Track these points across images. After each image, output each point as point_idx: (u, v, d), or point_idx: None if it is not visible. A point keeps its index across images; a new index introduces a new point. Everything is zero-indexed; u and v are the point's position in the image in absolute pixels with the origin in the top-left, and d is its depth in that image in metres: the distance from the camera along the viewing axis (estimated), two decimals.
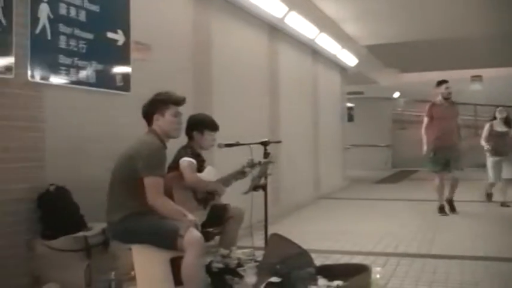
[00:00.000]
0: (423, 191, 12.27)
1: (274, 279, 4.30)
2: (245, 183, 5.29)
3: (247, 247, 5.53)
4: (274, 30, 9.86)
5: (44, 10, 4.56)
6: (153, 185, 4.01)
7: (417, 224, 8.79)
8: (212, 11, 7.52)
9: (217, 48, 7.61)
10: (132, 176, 4.06)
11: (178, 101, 4.43)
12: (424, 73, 19.13)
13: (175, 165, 4.93)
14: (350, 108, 20.46)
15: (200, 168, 5.15)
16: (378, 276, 4.60)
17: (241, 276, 4.70)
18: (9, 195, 4.25)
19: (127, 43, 5.57)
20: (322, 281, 4.46)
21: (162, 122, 4.33)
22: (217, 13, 7.66)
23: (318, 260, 5.27)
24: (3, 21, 4.17)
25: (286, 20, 9.82)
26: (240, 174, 5.30)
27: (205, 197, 5.12)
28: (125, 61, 5.56)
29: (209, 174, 5.21)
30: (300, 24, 10.47)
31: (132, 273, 4.25)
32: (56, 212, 4.42)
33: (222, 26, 7.80)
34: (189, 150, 5.10)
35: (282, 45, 10.36)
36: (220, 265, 5.00)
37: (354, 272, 4.51)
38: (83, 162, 4.96)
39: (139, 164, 4.04)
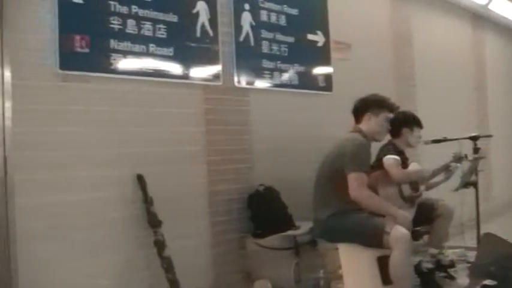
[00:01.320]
0: None
1: (488, 281, 3.89)
2: (454, 180, 4.90)
3: (458, 247, 5.14)
4: (478, 18, 9.16)
5: (246, 18, 4.66)
6: (356, 179, 3.83)
7: None
8: (410, 3, 7.18)
9: (418, 42, 7.24)
10: (338, 173, 3.92)
11: (393, 109, 4.28)
12: None
13: (378, 164, 4.70)
14: None
15: (403, 166, 4.86)
16: None
17: (452, 278, 4.36)
18: (223, 196, 4.38)
19: (327, 43, 5.49)
20: None
21: (374, 122, 4.16)
22: (416, 5, 7.29)
23: None
24: (210, 32, 4.31)
25: (490, 6, 9.05)
26: (446, 169, 4.93)
27: (412, 194, 4.82)
28: (326, 61, 5.49)
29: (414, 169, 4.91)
30: (507, 10, 9.59)
31: (340, 271, 4.11)
32: (265, 211, 4.45)
33: (422, 19, 7.40)
34: (391, 147, 4.84)
35: (488, 34, 9.62)
36: (430, 265, 4.68)
37: None
38: (289, 162, 4.96)
39: (344, 161, 3.90)
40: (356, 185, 3.81)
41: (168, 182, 3.95)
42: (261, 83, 4.77)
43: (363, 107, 4.20)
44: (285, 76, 4.98)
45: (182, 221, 4.02)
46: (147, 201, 3.75)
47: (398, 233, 3.69)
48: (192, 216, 4.16)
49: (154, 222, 3.74)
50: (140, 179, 3.76)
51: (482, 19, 9.27)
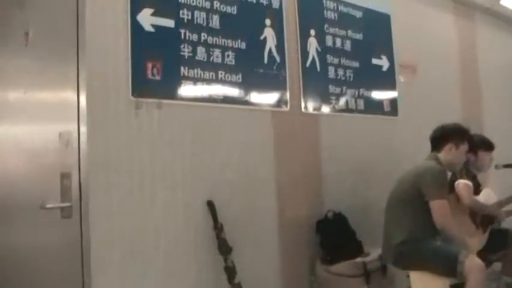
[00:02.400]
0: None
1: None
2: None
3: None
4: None
5: (312, 44, 4.62)
6: (440, 208, 3.75)
7: None
8: (476, 25, 7.01)
9: (485, 64, 7.05)
10: (414, 200, 3.83)
11: (473, 138, 4.21)
12: None
13: (450, 189, 4.51)
14: None
15: (476, 191, 4.66)
16: None
17: None
18: (292, 221, 4.29)
19: (392, 67, 5.39)
20: None
21: (454, 153, 4.09)
22: (482, 27, 7.11)
23: None
24: (277, 58, 4.29)
25: None
26: None
27: (485, 220, 4.61)
28: (391, 86, 5.39)
29: (486, 197, 4.69)
30: None
31: None
32: (334, 237, 4.35)
33: (487, 40, 7.21)
34: (464, 171, 4.65)
35: None
36: None
37: None
38: (358, 187, 4.86)
39: (423, 189, 3.79)
40: (441, 213, 3.74)
41: (237, 207, 3.89)
42: (327, 108, 4.69)
43: (444, 137, 4.12)
44: (352, 101, 4.90)
45: (252, 247, 3.95)
46: (217, 227, 3.69)
47: (473, 263, 3.55)
48: (262, 242, 4.08)
49: (224, 248, 3.66)
50: (210, 204, 3.71)
51: None
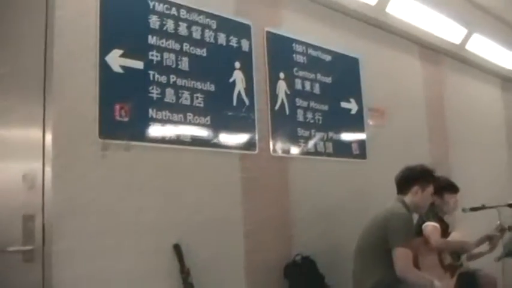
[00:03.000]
0: None
1: None
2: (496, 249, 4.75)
3: None
4: (508, 82, 9.13)
5: (281, 86, 4.69)
6: (403, 256, 3.77)
7: None
8: (442, 70, 7.20)
9: (451, 109, 7.21)
10: (380, 245, 3.85)
11: (438, 180, 4.28)
12: None
13: (418, 231, 4.58)
14: None
15: (444, 233, 4.73)
16: None
17: None
18: (260, 265, 4.28)
19: (360, 111, 5.49)
20: None
21: (420, 197, 4.15)
22: (448, 71, 7.30)
23: None
24: (246, 100, 4.35)
25: None
26: (488, 240, 4.78)
27: (453, 264, 4.67)
28: (360, 129, 5.47)
29: (455, 239, 4.78)
30: None
31: None
32: (302, 282, 4.35)
33: (454, 86, 7.40)
34: (431, 214, 4.73)
35: None
36: None
37: None
38: (327, 230, 4.87)
39: (389, 234, 3.81)
40: (402, 262, 3.77)
41: (205, 251, 3.87)
42: (296, 151, 4.74)
43: (410, 180, 4.15)
44: (320, 144, 4.95)
45: None
46: (184, 271, 3.66)
47: None
48: (229, 287, 4.05)
49: None
50: (177, 248, 3.69)
51: (511, 82, 9.25)
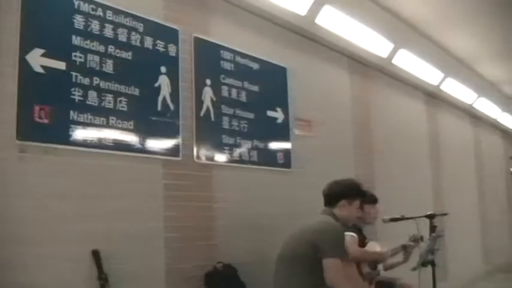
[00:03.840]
0: None
1: None
2: (413, 259, 4.95)
3: None
4: (431, 97, 9.53)
5: (207, 93, 4.74)
6: (334, 267, 3.84)
7: None
8: (368, 83, 7.43)
9: (376, 121, 7.46)
10: (308, 256, 3.89)
11: (365, 196, 4.39)
12: None
13: None
14: None
15: (362, 243, 4.90)
16: None
17: None
18: (181, 274, 4.30)
19: (286, 120, 5.59)
20: None
21: (347, 210, 4.23)
22: (374, 85, 7.55)
23: None
24: (171, 106, 4.37)
25: (442, 87, 9.46)
26: (404, 249, 5.00)
27: (370, 272, 4.85)
28: (285, 138, 5.58)
29: (372, 249, 4.96)
30: (457, 90, 10.05)
31: None
32: None
33: (379, 98, 7.66)
34: (350, 225, 4.88)
35: (440, 113, 9.98)
36: None
37: None
38: (251, 239, 4.95)
39: (321, 246, 3.88)
40: (333, 272, 3.81)
41: (125, 258, 3.86)
42: (220, 159, 4.79)
43: (338, 194, 4.23)
44: (245, 152, 5.02)
45: None
46: (102, 277, 3.65)
47: None
48: None
49: None
50: (95, 254, 3.68)
51: (434, 98, 9.64)
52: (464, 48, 8.98)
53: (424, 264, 4.72)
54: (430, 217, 4.93)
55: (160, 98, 4.30)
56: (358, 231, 4.89)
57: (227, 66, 4.99)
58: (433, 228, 4.87)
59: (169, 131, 4.35)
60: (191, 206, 4.47)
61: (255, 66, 5.31)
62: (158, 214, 4.21)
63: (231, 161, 4.88)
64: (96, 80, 3.86)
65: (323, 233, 3.92)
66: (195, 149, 4.55)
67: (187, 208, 4.44)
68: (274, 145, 5.41)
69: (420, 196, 8.44)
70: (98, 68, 3.89)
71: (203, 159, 4.63)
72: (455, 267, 9.39)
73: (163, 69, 4.36)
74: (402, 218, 5.00)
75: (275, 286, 4.07)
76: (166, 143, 4.31)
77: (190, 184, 4.49)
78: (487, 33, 8.30)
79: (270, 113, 5.42)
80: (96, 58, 3.89)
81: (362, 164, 6.91)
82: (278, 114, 5.51)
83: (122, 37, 4.11)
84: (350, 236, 4.68)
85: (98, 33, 3.94)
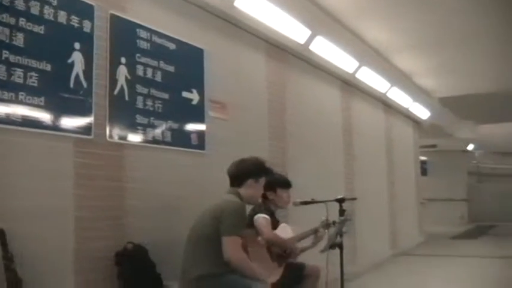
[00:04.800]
0: (504, 248, 11.70)
1: None
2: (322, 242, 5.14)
3: None
4: (346, 85, 9.80)
5: (121, 72, 4.69)
6: (232, 243, 3.96)
7: (502, 284, 8.32)
8: (285, 67, 7.57)
9: (291, 104, 7.62)
10: (214, 235, 4.01)
11: (270, 172, 4.52)
12: (502, 124, 18.58)
13: (249, 223, 4.85)
14: (423, 162, 20.04)
15: (274, 226, 5.04)
16: None
17: None
18: (90, 254, 4.29)
19: (201, 102, 5.63)
20: None
21: (254, 189, 4.38)
22: (290, 69, 7.70)
23: None
24: (84, 83, 4.31)
25: (357, 75, 9.76)
26: (314, 233, 5.19)
27: (281, 254, 5.00)
28: (200, 120, 5.61)
29: (283, 231, 5.11)
30: (371, 79, 10.40)
31: None
32: (132, 269, 4.41)
33: (296, 82, 7.82)
34: (263, 207, 5.02)
35: (355, 100, 10.28)
36: None
37: None
38: (162, 220, 4.98)
39: (222, 224, 3.99)
40: (232, 248, 3.94)
41: (32, 238, 3.81)
42: (134, 139, 4.78)
43: (243, 173, 4.35)
44: (159, 132, 5.03)
45: (46, 279, 3.87)
46: (7, 257, 3.59)
47: None
48: (57, 275, 4.02)
49: (13, 280, 3.58)
50: (1, 234, 3.62)
51: (349, 86, 9.92)
52: (379, 38, 9.31)
53: (332, 246, 4.91)
54: (340, 201, 5.11)
55: (73, 75, 4.23)
56: (271, 214, 5.03)
57: (143, 45, 4.96)
58: (342, 212, 5.07)
59: (81, 109, 4.28)
60: (102, 185, 4.45)
61: (172, 46, 5.30)
62: (68, 193, 4.16)
63: (144, 141, 4.88)
64: (5, 54, 3.75)
65: (223, 211, 4.05)
66: (107, 128, 4.51)
67: (98, 187, 4.41)
68: (188, 126, 5.45)
69: (332, 181, 8.71)
70: (7, 41, 3.79)
71: (116, 139, 4.60)
72: (363, 251, 9.77)
73: (77, 45, 4.28)
74: (312, 202, 5.18)
75: (184, 265, 4.16)
76: (78, 121, 4.25)
77: (102, 163, 4.46)
78: (402, 25, 8.65)
79: (185, 94, 5.43)
80: (6, 31, 3.79)
81: (276, 148, 7.05)
82: (193, 96, 5.53)
83: (34, 10, 4.01)
84: (263, 217, 4.83)
85: (8, 4, 3.82)
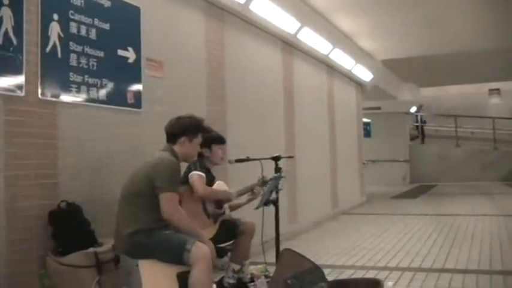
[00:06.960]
0: (441, 206, 12.16)
1: None
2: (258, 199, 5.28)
3: (260, 263, 5.52)
4: (288, 46, 9.88)
5: (54, 29, 4.64)
6: (170, 200, 4.05)
7: (433, 238, 8.70)
8: (224, 27, 7.58)
9: (231, 64, 7.66)
10: (147, 191, 4.08)
11: (207, 131, 4.53)
12: (443, 87, 19.05)
13: (185, 180, 4.93)
14: (367, 124, 20.44)
15: (210, 184, 5.14)
16: None
17: None
18: (23, 212, 4.30)
19: (138, 60, 5.62)
20: None
21: (188, 147, 4.42)
22: (230, 29, 7.72)
23: (332, 275, 5.25)
24: (14, 40, 4.26)
25: (299, 36, 9.85)
26: (251, 190, 5.32)
27: (215, 211, 5.12)
28: (136, 78, 5.62)
29: (220, 188, 5.23)
30: (313, 40, 10.51)
31: None
32: (66, 228, 4.45)
33: (235, 42, 7.85)
34: (199, 164, 5.09)
35: (296, 61, 10.38)
36: (232, 280, 5.02)
37: (366, 287, 4.48)
38: (96, 179, 5.02)
39: (156, 180, 4.06)
40: (169, 205, 4.03)
41: None
42: (67, 97, 4.75)
43: (179, 130, 4.40)
44: (93, 91, 5.01)
45: None
46: None
47: (199, 251, 3.93)
48: None
49: None
50: None
51: (291, 46, 10.01)
52: None
53: (266, 203, 5.07)
54: (276, 159, 5.27)
55: (2, 31, 4.15)
56: (207, 171, 5.12)
57: (76, 1, 4.88)
58: (277, 170, 5.22)
59: (11, 66, 4.22)
60: (34, 144, 4.44)
61: (107, 3, 5.25)
62: None
63: (79, 99, 4.86)
64: None
65: (156, 168, 4.13)
66: (39, 86, 4.47)
67: (30, 145, 4.40)
68: (124, 85, 5.44)
69: (272, 141, 8.84)
70: None
71: (48, 96, 4.56)
72: (304, 210, 10.01)
73: (5, 0, 4.20)
74: (247, 159, 5.31)
75: (118, 222, 4.23)
76: (8, 79, 4.20)
77: (34, 121, 4.44)
78: None
79: (121, 52, 5.40)
80: None
81: (214, 108, 7.10)
82: (129, 54, 5.51)
83: None
84: (197, 174, 4.91)
85: None
